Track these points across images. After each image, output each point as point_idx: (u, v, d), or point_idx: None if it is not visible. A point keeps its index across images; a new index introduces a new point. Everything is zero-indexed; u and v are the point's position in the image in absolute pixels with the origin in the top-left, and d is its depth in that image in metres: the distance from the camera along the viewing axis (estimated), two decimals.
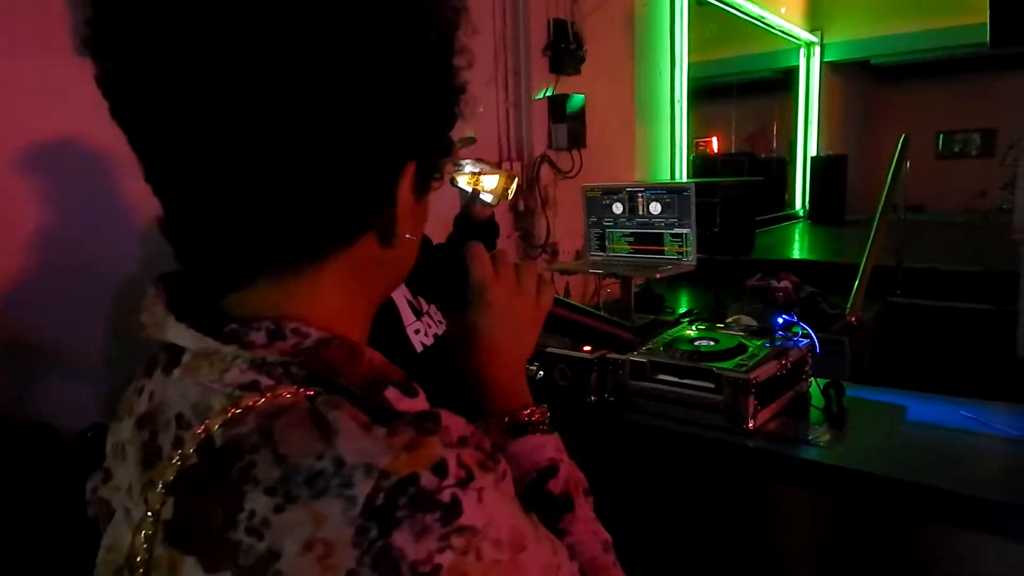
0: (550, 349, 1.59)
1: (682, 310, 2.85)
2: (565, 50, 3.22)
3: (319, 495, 0.36)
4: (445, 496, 0.36)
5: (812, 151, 7.68)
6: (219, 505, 0.37)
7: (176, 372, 0.43)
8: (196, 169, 0.39)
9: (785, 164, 7.84)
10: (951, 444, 1.28)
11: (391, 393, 0.42)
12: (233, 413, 0.39)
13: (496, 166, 1.67)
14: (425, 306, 0.98)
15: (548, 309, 0.64)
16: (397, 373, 0.45)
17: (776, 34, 6.95)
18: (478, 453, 0.41)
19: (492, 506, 0.39)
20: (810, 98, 7.70)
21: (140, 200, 0.42)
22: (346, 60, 0.39)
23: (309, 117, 0.38)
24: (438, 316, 1.02)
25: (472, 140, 1.59)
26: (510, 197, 1.67)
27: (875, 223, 3.35)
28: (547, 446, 0.59)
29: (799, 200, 7.72)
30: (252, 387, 0.40)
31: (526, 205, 3.18)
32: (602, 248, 2.27)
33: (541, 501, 0.55)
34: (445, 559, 0.36)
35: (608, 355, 1.55)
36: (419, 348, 0.95)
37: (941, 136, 8.85)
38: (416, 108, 0.43)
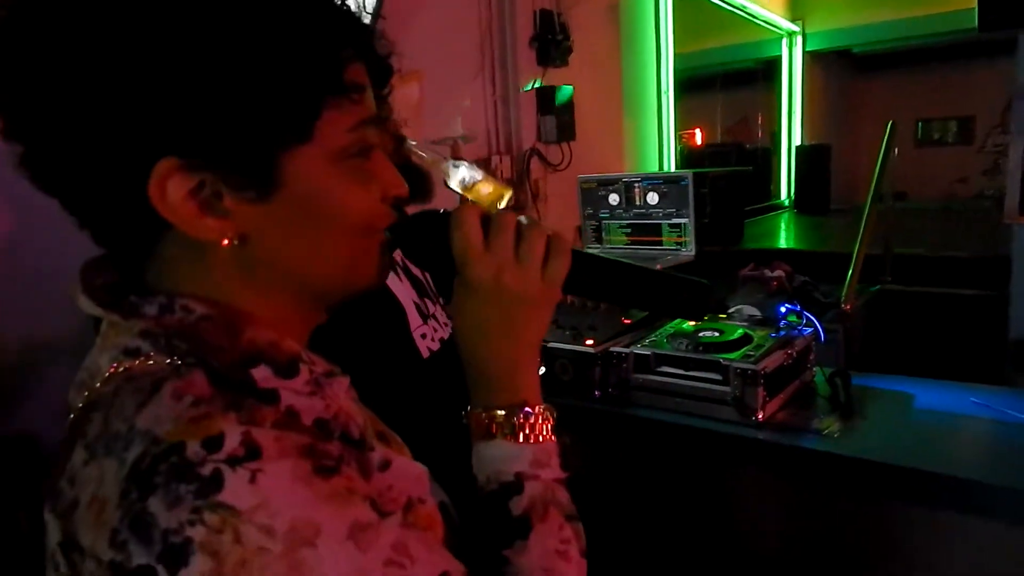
0: (551, 344, 1.55)
1: None
2: (552, 41, 3.17)
3: (107, 454, 0.38)
4: (206, 470, 0.36)
5: (796, 140, 7.70)
6: (63, 456, 0.41)
7: (98, 339, 0.47)
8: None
9: (770, 154, 7.85)
10: (966, 432, 1.26)
11: (260, 372, 0.42)
12: (111, 373, 0.42)
13: (493, 175, 1.62)
14: (431, 308, 0.94)
15: (561, 282, 0.52)
16: (285, 354, 0.44)
17: (758, 24, 6.95)
18: (302, 438, 0.39)
19: (271, 491, 0.36)
20: (793, 88, 7.71)
21: None
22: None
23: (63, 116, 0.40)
24: (443, 318, 0.98)
25: (465, 139, 1.54)
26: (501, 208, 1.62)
27: (866, 210, 3.35)
28: (521, 457, 0.51)
29: (784, 190, 7.74)
30: (134, 353, 0.43)
31: (517, 199, 3.14)
32: (599, 240, 2.24)
33: (496, 519, 0.50)
34: (196, 533, 0.35)
35: (611, 348, 1.51)
36: (425, 354, 0.91)
37: (920, 124, 8.92)
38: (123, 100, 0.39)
